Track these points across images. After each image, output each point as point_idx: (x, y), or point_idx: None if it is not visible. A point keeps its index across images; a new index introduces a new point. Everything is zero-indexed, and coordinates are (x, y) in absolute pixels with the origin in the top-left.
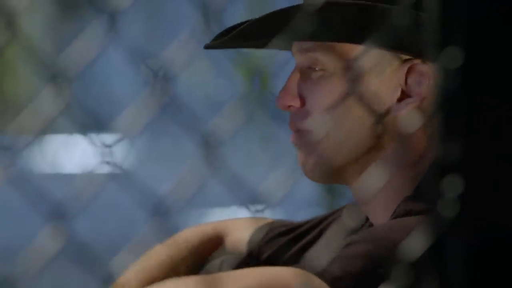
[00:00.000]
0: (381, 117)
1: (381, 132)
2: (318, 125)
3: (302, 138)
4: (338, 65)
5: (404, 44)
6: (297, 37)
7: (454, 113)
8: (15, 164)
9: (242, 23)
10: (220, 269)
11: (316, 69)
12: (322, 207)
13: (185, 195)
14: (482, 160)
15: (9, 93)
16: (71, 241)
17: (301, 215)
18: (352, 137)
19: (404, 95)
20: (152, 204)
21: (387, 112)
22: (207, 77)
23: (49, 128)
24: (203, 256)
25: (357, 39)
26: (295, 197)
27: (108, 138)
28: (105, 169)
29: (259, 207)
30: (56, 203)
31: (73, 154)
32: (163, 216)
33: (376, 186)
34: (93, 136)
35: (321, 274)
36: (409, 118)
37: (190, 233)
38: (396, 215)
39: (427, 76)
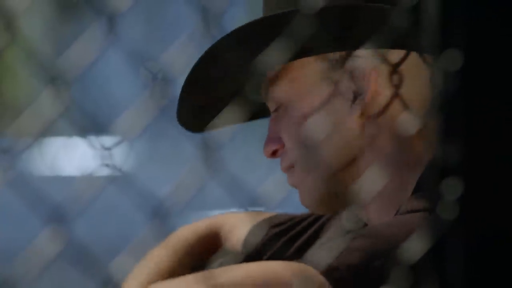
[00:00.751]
0: (339, 126)
1: (375, 133)
2: (298, 156)
3: (292, 175)
4: (289, 93)
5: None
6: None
7: (454, 115)
8: (15, 167)
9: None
10: None
11: (279, 106)
12: None
13: (185, 197)
14: (481, 162)
15: (8, 96)
16: (70, 243)
17: None
18: (335, 146)
19: (357, 95)
20: (152, 207)
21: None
22: None
23: (48, 130)
24: (200, 254)
25: (338, 46)
26: (294, 200)
27: (108, 140)
28: (105, 172)
29: (259, 209)
30: (56, 205)
31: (72, 157)
32: (162, 219)
33: (375, 188)
34: (93, 138)
35: (316, 265)
36: (405, 119)
37: (186, 232)
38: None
39: (369, 70)
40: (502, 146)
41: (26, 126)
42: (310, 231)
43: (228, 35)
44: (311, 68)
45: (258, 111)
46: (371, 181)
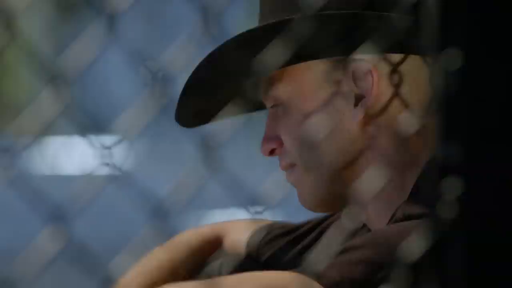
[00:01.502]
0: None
1: (374, 133)
2: (298, 156)
3: (291, 173)
4: (291, 93)
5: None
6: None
7: (454, 115)
8: (15, 166)
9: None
10: (220, 271)
11: (278, 105)
12: None
13: (185, 196)
14: (481, 162)
15: (8, 95)
16: (70, 242)
17: (301, 216)
18: (335, 148)
19: (360, 98)
20: (152, 206)
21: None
22: None
23: (48, 129)
24: (202, 258)
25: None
26: (294, 199)
27: (108, 139)
28: (105, 171)
29: (259, 208)
30: (56, 204)
31: (72, 156)
32: (162, 218)
33: (374, 188)
34: (93, 137)
35: (320, 279)
36: (404, 119)
37: (189, 235)
38: (395, 219)
39: (369, 71)
40: (502, 145)
41: (26, 125)
42: (312, 235)
43: (231, 39)
44: (313, 69)
45: (255, 104)
46: (371, 181)
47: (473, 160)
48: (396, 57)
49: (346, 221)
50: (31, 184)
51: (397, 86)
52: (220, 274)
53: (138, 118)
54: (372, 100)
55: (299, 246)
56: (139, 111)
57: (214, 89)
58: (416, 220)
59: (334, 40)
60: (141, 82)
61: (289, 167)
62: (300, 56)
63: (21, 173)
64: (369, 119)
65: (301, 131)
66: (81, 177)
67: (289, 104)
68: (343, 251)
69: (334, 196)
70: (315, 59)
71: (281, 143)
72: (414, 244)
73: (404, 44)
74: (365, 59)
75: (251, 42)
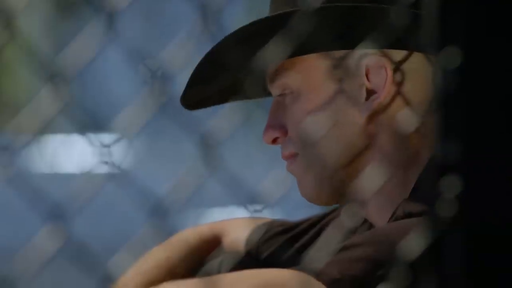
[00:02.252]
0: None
1: (375, 131)
2: (302, 146)
3: (293, 163)
4: (302, 82)
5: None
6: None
7: (453, 113)
8: (14, 164)
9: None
10: (219, 269)
11: (286, 93)
12: (320, 207)
13: (184, 195)
14: (480, 160)
15: (7, 93)
16: (69, 241)
17: (300, 214)
18: (340, 142)
19: (370, 93)
20: (151, 204)
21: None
22: None
23: (47, 128)
24: (201, 257)
25: (345, 44)
26: (293, 197)
27: (107, 138)
28: (104, 169)
29: (258, 207)
30: (55, 203)
31: (71, 154)
32: (161, 216)
33: (374, 186)
34: (92, 136)
35: (319, 276)
36: (405, 117)
37: (188, 234)
38: (396, 217)
39: (384, 67)
40: (501, 144)
41: (25, 123)
42: (311, 232)
43: (232, 33)
44: (325, 60)
45: (258, 92)
46: (372, 178)
47: (472, 158)
48: (399, 54)
49: (345, 219)
50: (30, 182)
51: (399, 84)
52: (219, 272)
53: (137, 116)
54: (384, 95)
55: (299, 244)
56: (138, 109)
57: (217, 79)
58: (417, 218)
59: (334, 33)
60: (140, 80)
61: (291, 157)
62: (300, 49)
63: (20, 171)
64: (373, 115)
65: (307, 122)
66: (80, 175)
67: (298, 92)
68: (343, 249)
69: (335, 191)
70: (313, 52)
71: (284, 132)
72: (414, 242)
73: (405, 40)
74: (378, 53)
75: (252, 36)
